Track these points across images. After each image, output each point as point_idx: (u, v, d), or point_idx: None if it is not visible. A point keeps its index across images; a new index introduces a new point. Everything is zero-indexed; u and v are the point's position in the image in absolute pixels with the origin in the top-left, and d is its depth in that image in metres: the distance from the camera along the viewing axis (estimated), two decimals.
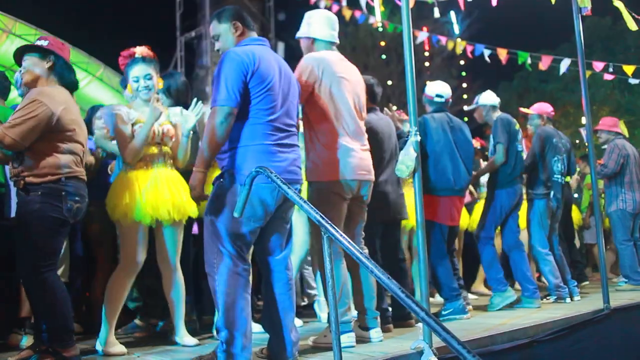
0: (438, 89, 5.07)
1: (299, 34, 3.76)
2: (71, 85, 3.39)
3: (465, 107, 5.72)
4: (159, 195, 3.56)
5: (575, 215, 8.13)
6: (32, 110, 3.07)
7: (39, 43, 3.34)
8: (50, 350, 3.11)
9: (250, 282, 2.93)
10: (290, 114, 3.08)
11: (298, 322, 4.51)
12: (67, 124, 3.20)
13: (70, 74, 3.38)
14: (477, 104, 5.67)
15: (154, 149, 3.65)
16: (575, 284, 5.89)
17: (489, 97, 5.64)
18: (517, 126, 5.48)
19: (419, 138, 3.27)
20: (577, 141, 7.14)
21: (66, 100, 3.25)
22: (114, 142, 3.74)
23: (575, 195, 8.49)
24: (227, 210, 2.86)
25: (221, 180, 2.95)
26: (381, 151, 4.26)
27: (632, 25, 5.00)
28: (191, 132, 3.75)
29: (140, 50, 3.82)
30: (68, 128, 3.20)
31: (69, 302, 3.18)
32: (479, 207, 6.04)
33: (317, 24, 3.70)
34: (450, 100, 5.15)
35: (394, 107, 5.62)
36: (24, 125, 3.05)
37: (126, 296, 3.62)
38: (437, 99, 5.02)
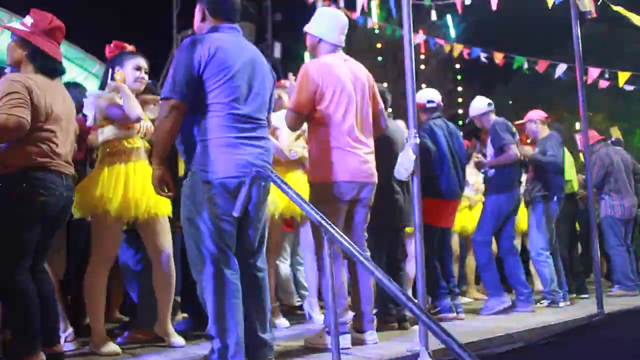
0: (428, 94, 5.11)
1: (306, 28, 3.72)
2: (52, 73, 3.17)
3: (461, 117, 5.73)
4: (143, 189, 3.47)
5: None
6: (15, 91, 2.91)
7: (18, 27, 3.17)
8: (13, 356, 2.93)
9: (240, 285, 2.83)
10: (260, 107, 2.95)
11: (285, 322, 4.49)
12: (41, 112, 3.00)
13: (49, 62, 3.14)
14: (470, 117, 5.68)
15: (138, 143, 3.59)
16: (566, 288, 5.91)
17: (476, 107, 5.62)
18: (514, 129, 5.49)
19: (418, 140, 3.28)
20: (574, 152, 7.16)
21: (44, 87, 3.05)
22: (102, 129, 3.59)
23: None
24: (201, 209, 2.77)
25: (187, 179, 2.87)
26: (392, 158, 4.25)
27: (638, 22, 5.01)
28: None
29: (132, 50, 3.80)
30: (40, 117, 3.00)
31: (35, 306, 2.94)
32: (477, 211, 6.05)
33: (327, 25, 3.67)
34: (442, 104, 5.18)
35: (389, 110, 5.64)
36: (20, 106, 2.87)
37: (105, 291, 3.51)
38: (429, 105, 5.06)
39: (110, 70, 3.67)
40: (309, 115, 3.59)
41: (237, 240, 2.90)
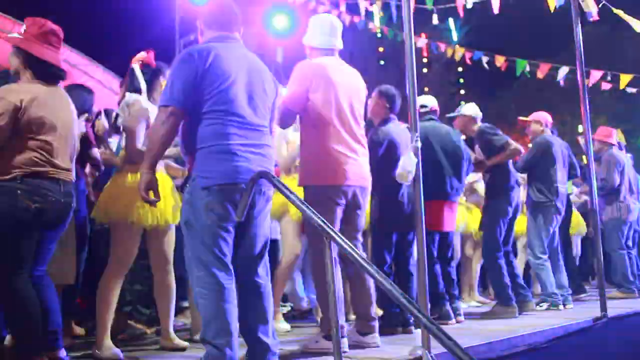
0: (421, 99, 5.09)
1: (303, 40, 3.79)
2: (49, 78, 3.12)
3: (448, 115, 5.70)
4: (163, 197, 3.50)
5: (579, 223, 8.09)
6: None
7: (12, 35, 3.16)
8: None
9: (234, 290, 2.82)
10: (260, 113, 2.96)
11: (286, 326, 4.47)
12: (32, 119, 2.96)
13: (44, 67, 3.10)
14: (458, 113, 5.66)
15: None
16: (570, 292, 5.90)
17: (470, 109, 5.63)
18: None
19: (420, 144, 3.28)
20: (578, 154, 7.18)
21: (36, 93, 3.01)
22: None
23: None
24: (199, 215, 2.78)
25: (187, 185, 2.90)
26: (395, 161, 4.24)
27: (637, 27, 5.01)
28: None
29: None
30: (33, 123, 2.96)
31: (36, 312, 2.94)
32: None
33: (316, 31, 3.72)
34: (436, 108, 5.15)
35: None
36: None
37: (117, 297, 3.55)
38: (421, 109, 5.04)
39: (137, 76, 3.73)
40: (302, 116, 3.59)
41: (238, 247, 2.90)
